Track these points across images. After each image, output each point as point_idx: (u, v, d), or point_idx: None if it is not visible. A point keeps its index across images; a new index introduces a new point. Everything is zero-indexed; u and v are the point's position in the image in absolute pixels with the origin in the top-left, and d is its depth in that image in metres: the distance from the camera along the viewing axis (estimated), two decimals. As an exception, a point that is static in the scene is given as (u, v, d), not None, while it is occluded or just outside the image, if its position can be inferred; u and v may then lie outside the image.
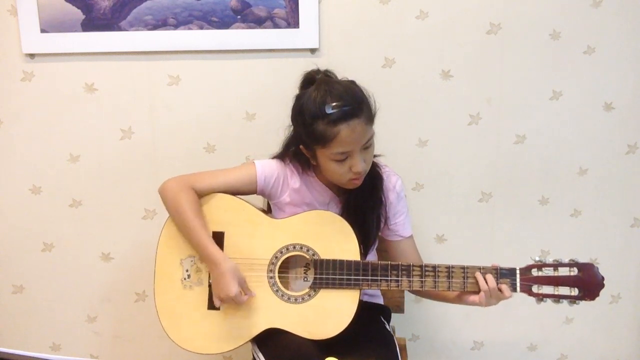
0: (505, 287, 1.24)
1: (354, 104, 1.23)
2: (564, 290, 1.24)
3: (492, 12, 1.68)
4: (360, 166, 1.26)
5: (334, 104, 1.22)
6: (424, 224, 1.80)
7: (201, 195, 1.36)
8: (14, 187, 1.80)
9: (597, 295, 1.23)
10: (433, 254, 1.81)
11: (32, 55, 1.72)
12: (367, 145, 1.27)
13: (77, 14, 1.67)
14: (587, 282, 1.23)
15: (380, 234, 1.44)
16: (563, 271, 1.24)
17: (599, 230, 1.81)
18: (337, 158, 1.25)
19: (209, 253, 1.29)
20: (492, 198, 1.79)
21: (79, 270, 1.85)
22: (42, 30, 1.68)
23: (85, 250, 1.84)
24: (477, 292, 1.26)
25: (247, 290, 1.30)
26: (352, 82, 1.32)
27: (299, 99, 1.30)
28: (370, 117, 1.27)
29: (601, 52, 1.70)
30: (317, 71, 1.33)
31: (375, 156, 1.40)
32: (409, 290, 1.49)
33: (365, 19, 1.68)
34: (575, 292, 1.24)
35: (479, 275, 1.26)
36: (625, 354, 1.90)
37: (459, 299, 1.31)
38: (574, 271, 1.24)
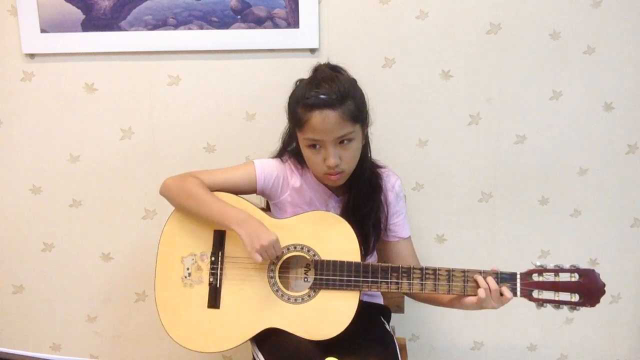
0: (506, 289, 1.23)
1: (334, 95, 1.25)
2: (564, 296, 1.23)
3: (492, 12, 1.68)
4: (332, 160, 1.27)
5: (314, 91, 1.26)
6: (424, 224, 1.80)
7: (201, 194, 1.37)
8: (14, 187, 1.80)
9: (598, 301, 1.22)
10: (433, 254, 1.81)
11: (32, 55, 1.72)
12: (343, 140, 1.28)
13: (77, 14, 1.67)
14: (588, 288, 1.22)
15: None
16: (564, 277, 1.23)
17: (599, 230, 1.81)
18: (309, 144, 1.29)
19: (234, 214, 1.30)
20: (492, 198, 1.79)
21: (79, 270, 1.85)
22: (42, 30, 1.68)
23: (85, 250, 1.84)
24: (476, 295, 1.25)
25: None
26: (351, 80, 1.33)
27: (295, 84, 1.36)
28: (351, 115, 1.27)
29: (601, 52, 1.70)
30: (325, 64, 1.37)
31: (371, 158, 1.41)
32: (405, 294, 1.49)
33: (365, 19, 1.68)
34: (575, 298, 1.23)
35: (478, 276, 1.25)
36: (625, 354, 1.90)
37: (457, 301, 1.30)
38: (575, 277, 1.23)
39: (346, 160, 1.30)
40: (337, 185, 1.35)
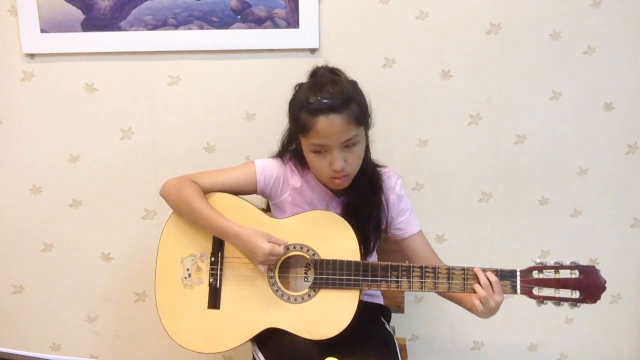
0: (490, 274, 1.24)
1: (338, 99, 1.24)
2: (565, 293, 1.23)
3: (492, 12, 1.68)
4: (338, 164, 1.26)
5: (317, 95, 1.25)
6: (424, 224, 1.77)
7: (201, 194, 1.37)
8: (14, 187, 1.80)
9: (599, 298, 1.22)
10: (433, 254, 1.81)
11: (32, 55, 1.72)
12: (349, 144, 1.27)
13: (77, 14, 1.67)
14: (588, 285, 1.22)
15: (389, 235, 1.45)
16: (564, 273, 1.23)
17: (599, 230, 1.81)
18: (315, 149, 1.28)
19: (225, 229, 1.31)
20: (492, 198, 1.79)
21: (79, 270, 1.85)
22: (42, 30, 1.68)
23: (85, 250, 1.84)
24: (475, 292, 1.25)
25: (278, 240, 1.30)
26: (352, 83, 1.33)
27: (295, 89, 1.35)
28: (356, 118, 1.27)
29: (601, 52, 1.70)
30: (323, 67, 1.36)
31: (371, 158, 1.41)
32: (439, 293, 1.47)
33: (365, 19, 1.68)
34: (576, 294, 1.23)
35: (478, 270, 1.25)
36: (625, 354, 1.90)
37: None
38: (575, 274, 1.23)
39: (351, 163, 1.29)
40: (341, 188, 1.35)
